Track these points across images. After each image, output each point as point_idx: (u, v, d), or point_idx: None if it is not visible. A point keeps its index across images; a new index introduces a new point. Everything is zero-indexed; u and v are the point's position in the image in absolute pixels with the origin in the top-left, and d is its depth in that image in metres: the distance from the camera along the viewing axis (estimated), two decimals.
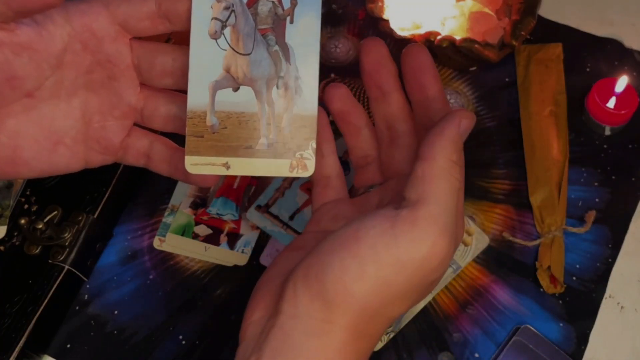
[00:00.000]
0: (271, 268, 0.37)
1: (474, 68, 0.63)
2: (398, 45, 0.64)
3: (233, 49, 0.36)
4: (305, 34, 0.36)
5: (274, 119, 0.36)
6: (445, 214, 0.32)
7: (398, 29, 0.61)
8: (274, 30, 0.36)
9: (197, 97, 0.36)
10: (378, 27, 0.61)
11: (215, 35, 0.36)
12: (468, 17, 0.61)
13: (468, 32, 0.61)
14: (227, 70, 0.36)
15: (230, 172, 0.36)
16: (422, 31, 0.60)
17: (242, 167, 0.36)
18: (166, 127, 0.39)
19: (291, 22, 0.36)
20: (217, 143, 0.36)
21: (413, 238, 0.31)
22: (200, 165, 0.36)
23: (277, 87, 0.36)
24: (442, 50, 0.60)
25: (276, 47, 0.36)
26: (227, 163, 0.36)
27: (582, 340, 0.52)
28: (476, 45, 0.58)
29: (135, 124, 0.39)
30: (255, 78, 0.36)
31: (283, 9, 0.36)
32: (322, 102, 0.40)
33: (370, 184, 0.40)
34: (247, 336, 0.34)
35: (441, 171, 0.33)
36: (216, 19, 0.35)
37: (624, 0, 0.65)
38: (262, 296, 0.35)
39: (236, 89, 0.36)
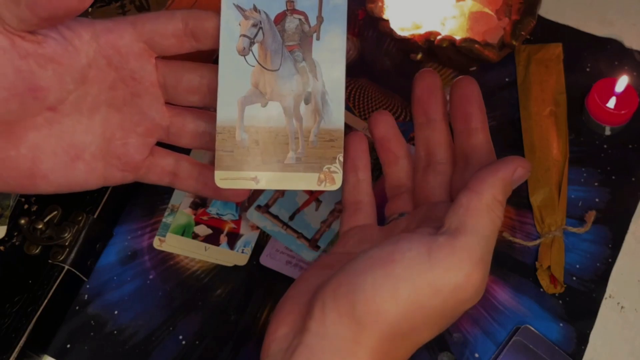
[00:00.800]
0: (297, 284, 0.37)
1: (474, 68, 0.63)
2: (398, 45, 0.64)
3: (261, 65, 0.37)
4: (331, 50, 0.37)
5: (302, 134, 0.37)
6: (484, 246, 0.33)
7: (398, 29, 0.61)
8: (301, 47, 0.37)
9: (226, 112, 0.36)
10: (378, 27, 0.61)
11: (243, 52, 0.36)
12: (468, 17, 0.61)
13: (468, 32, 0.61)
14: (256, 86, 0.37)
15: (260, 186, 0.37)
16: (422, 31, 0.60)
17: (271, 181, 0.37)
18: (193, 144, 0.39)
19: (317, 38, 0.37)
20: (246, 158, 0.37)
21: (449, 265, 0.32)
22: (230, 179, 0.37)
23: (305, 103, 0.37)
24: (442, 50, 0.60)
25: (303, 63, 0.37)
26: (256, 177, 0.37)
27: (582, 340, 0.52)
28: (476, 45, 0.58)
29: (158, 143, 0.39)
30: (283, 93, 0.37)
31: (310, 26, 0.37)
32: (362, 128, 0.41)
33: (400, 212, 0.41)
34: (270, 353, 0.34)
35: (485, 206, 0.33)
36: (244, 35, 0.36)
37: (624, 0, 0.65)
38: (287, 313, 0.35)
39: (264, 105, 0.37)
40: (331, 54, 0.37)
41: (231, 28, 0.36)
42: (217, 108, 0.36)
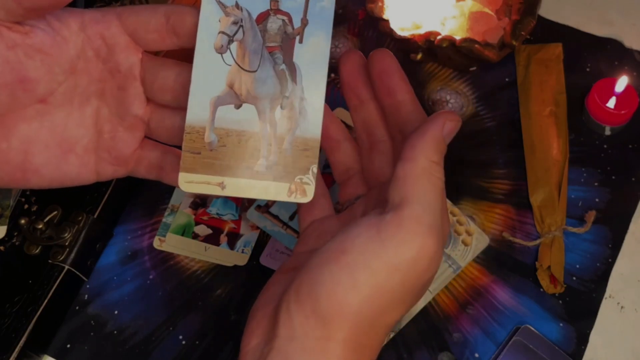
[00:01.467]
0: (263, 293, 0.37)
1: (474, 68, 0.63)
2: (398, 45, 0.64)
3: (238, 65, 0.35)
4: (314, 55, 0.35)
5: (276, 140, 0.35)
6: (430, 213, 0.32)
7: (398, 29, 0.61)
8: (282, 49, 0.35)
9: (197, 112, 0.35)
10: (378, 27, 0.61)
11: (221, 50, 0.35)
12: (468, 17, 0.61)
13: (468, 32, 0.61)
14: (231, 87, 0.35)
15: (225, 193, 0.35)
16: (422, 31, 0.60)
17: (238, 188, 0.35)
18: (171, 140, 0.38)
19: (300, 41, 0.35)
20: (214, 161, 0.35)
21: (400, 240, 0.31)
22: (195, 183, 0.35)
23: (282, 107, 0.35)
24: (442, 50, 0.60)
25: (283, 66, 0.35)
26: (222, 183, 0.35)
27: (582, 340, 0.52)
28: (476, 45, 0.58)
29: (146, 137, 0.39)
30: (259, 96, 0.35)
31: (293, 28, 0.35)
32: None
33: (354, 196, 0.40)
34: None
35: (422, 171, 0.33)
36: (223, 33, 0.35)
37: (624, 0, 0.65)
38: (257, 323, 0.35)
39: (238, 107, 0.35)
40: (313, 59, 0.35)
41: (210, 24, 0.34)
42: (188, 106, 0.35)
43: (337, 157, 0.41)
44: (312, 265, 0.33)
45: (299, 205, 0.40)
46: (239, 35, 0.35)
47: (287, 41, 0.35)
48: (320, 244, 0.38)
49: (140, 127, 0.38)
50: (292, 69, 0.35)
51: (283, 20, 0.35)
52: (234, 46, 0.35)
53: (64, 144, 0.36)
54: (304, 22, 0.35)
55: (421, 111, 0.38)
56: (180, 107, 0.37)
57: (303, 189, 0.35)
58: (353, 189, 0.41)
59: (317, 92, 0.35)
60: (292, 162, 0.35)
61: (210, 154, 0.35)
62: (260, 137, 0.35)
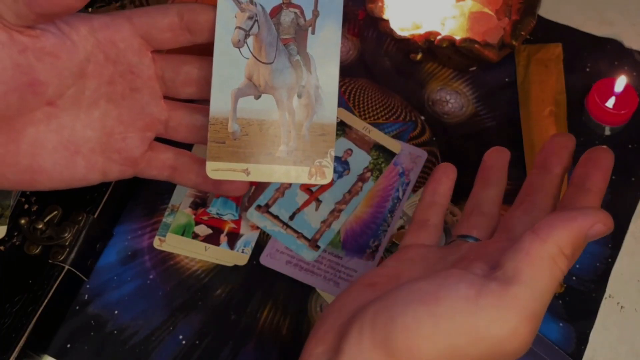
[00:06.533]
0: (339, 300, 0.36)
1: (474, 68, 0.63)
2: (398, 45, 0.64)
3: (256, 58, 0.37)
4: (326, 45, 0.37)
5: (294, 127, 0.37)
6: (538, 300, 0.30)
7: (398, 29, 0.61)
8: (295, 40, 0.37)
9: (219, 104, 0.37)
10: (378, 27, 0.61)
11: (238, 44, 0.37)
12: (468, 17, 0.61)
13: (468, 32, 0.61)
14: (250, 79, 0.37)
15: (250, 178, 0.37)
16: (422, 31, 0.60)
17: (262, 173, 0.37)
18: (191, 138, 0.40)
19: (312, 32, 0.37)
20: (238, 149, 0.37)
21: (496, 316, 0.30)
22: (221, 171, 0.37)
23: (298, 96, 0.37)
24: (442, 50, 0.60)
25: (298, 57, 0.37)
26: (247, 169, 0.37)
27: (582, 340, 0.52)
28: (476, 45, 0.58)
29: (156, 138, 0.39)
30: (276, 86, 0.37)
31: (305, 20, 0.37)
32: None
33: (464, 234, 0.40)
34: None
35: (548, 256, 0.30)
36: (240, 28, 0.36)
37: (624, 0, 0.65)
38: (326, 330, 0.34)
39: (258, 97, 0.37)
40: (326, 49, 0.37)
41: (227, 20, 0.36)
42: (211, 99, 0.37)
43: (479, 192, 0.42)
44: (398, 297, 0.31)
45: (412, 221, 0.42)
46: (255, 30, 0.37)
47: (300, 33, 0.37)
48: (411, 267, 0.38)
49: (154, 127, 0.39)
50: (307, 59, 0.37)
51: (295, 12, 0.37)
52: (250, 40, 0.37)
53: (71, 146, 0.36)
54: (315, 14, 0.37)
55: (597, 204, 0.37)
56: (203, 99, 0.38)
57: (322, 172, 0.37)
58: (470, 224, 0.41)
59: (331, 80, 0.37)
60: (310, 147, 0.37)
61: (234, 143, 0.37)
62: (279, 124, 0.37)
